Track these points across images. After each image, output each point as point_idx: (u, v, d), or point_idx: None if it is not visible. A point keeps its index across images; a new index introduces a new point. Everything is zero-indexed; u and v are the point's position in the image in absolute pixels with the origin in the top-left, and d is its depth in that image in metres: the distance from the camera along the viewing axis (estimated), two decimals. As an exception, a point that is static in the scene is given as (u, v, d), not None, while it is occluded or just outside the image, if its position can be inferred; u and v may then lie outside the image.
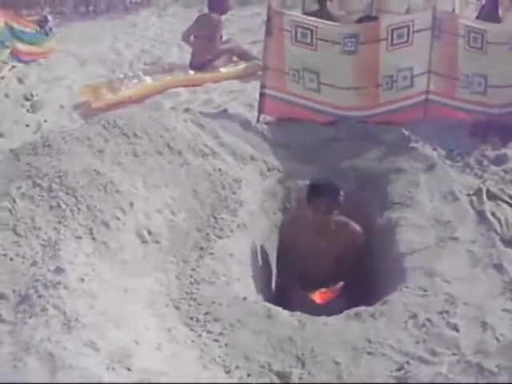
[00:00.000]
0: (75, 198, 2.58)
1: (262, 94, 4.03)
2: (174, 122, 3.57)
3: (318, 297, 3.17)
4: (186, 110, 3.78)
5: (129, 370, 1.92)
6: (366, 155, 3.82)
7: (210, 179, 3.48)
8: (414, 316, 2.56)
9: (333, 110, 3.98)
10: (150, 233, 2.85)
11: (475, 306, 2.58)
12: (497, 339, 2.40)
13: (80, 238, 2.46)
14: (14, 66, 5.58)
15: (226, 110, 4.16)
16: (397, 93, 3.94)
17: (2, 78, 5.39)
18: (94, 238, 2.50)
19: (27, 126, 4.54)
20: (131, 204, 2.78)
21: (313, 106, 4.00)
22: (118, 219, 2.64)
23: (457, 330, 2.46)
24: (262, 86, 4.01)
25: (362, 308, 2.70)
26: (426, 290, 2.71)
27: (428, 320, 2.52)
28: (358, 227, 3.37)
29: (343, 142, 3.91)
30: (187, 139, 3.52)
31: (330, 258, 3.35)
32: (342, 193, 3.24)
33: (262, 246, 3.49)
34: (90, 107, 4.72)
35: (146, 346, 2.21)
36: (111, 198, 2.69)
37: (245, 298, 2.72)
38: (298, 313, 2.70)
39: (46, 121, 4.61)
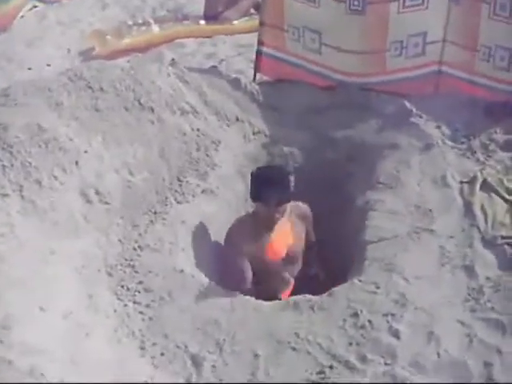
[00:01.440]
0: (10, 153, 2.45)
1: (258, 52, 3.70)
2: (154, 76, 3.36)
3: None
4: (172, 64, 3.55)
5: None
6: (362, 126, 3.47)
7: (184, 139, 3.27)
8: (355, 315, 2.34)
9: (333, 74, 3.61)
10: (97, 193, 2.70)
11: (427, 312, 2.32)
12: (438, 354, 2.15)
13: (7, 195, 2.35)
14: (35, 6, 5.49)
15: (215, 67, 3.88)
16: (406, 60, 3.51)
17: (22, 17, 5.32)
18: (22, 196, 2.38)
19: (29, 69, 4.45)
20: (76, 162, 2.63)
21: (312, 68, 3.64)
22: (55, 178, 2.50)
23: (397, 337, 2.23)
24: (259, 43, 3.68)
25: (304, 297, 2.48)
26: (378, 287, 2.46)
27: (369, 321, 2.30)
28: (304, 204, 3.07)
29: (339, 109, 3.56)
30: (165, 95, 3.30)
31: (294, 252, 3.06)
32: (292, 179, 2.95)
33: (229, 215, 3.29)
34: (93, 53, 4.57)
35: (50, 314, 2.11)
36: (52, 156, 2.55)
37: (182, 271, 2.56)
38: (237, 293, 2.53)
39: (49, 65, 4.51)
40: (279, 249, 2.85)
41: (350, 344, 2.22)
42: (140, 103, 3.16)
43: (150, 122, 3.17)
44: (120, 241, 2.66)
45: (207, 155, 3.32)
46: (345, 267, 2.95)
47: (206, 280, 2.55)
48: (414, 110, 3.39)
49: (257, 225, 2.81)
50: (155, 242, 2.71)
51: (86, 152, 2.75)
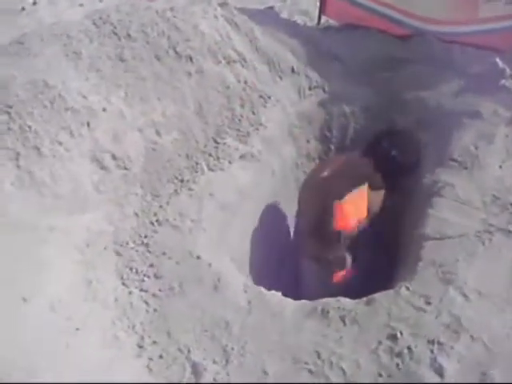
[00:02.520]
0: (8, 114, 2.16)
1: (324, -10, 3.14)
2: (198, 19, 2.91)
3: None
4: (222, 4, 3.06)
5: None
6: (440, 87, 2.86)
7: (227, 93, 2.84)
8: (394, 337, 1.90)
9: (412, 21, 2.98)
10: (114, 157, 2.38)
11: (485, 346, 1.84)
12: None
13: (1, 165, 2.08)
14: None
15: (272, 8, 3.34)
16: (506, 7, 2.80)
17: None
18: (18, 166, 2.10)
19: (80, 5, 4.13)
20: (88, 124, 2.30)
21: (386, 13, 3.03)
22: (60, 144, 2.19)
23: (441, 375, 1.78)
24: (326, -20, 3.11)
25: (337, 302, 2.07)
26: (428, 302, 1.99)
27: (409, 349, 1.86)
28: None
29: (414, 64, 2.96)
30: (209, 41, 2.86)
31: None
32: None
33: (273, 186, 2.89)
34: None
35: (34, 305, 1.87)
36: (57, 117, 2.23)
37: (198, 257, 2.23)
38: (261, 289, 2.17)
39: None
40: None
41: (380, 375, 1.81)
42: (176, 51, 2.75)
43: (186, 74, 2.76)
44: (136, 214, 2.35)
45: (253, 113, 2.89)
46: (389, 262, 2.51)
47: (225, 271, 2.20)
48: (508, 70, 2.72)
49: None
50: (176, 216, 2.38)
51: (104, 110, 2.41)
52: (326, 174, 2.58)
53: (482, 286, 2.02)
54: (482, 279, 2.04)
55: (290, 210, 3.03)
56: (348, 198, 2.45)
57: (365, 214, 2.51)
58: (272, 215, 2.85)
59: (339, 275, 2.53)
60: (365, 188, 2.52)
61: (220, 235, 2.42)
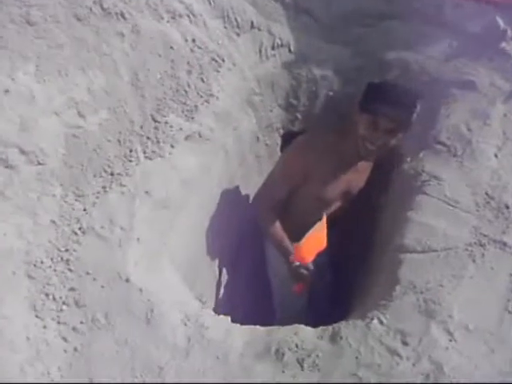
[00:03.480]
0: None
1: None
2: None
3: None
4: None
5: None
6: (426, 49, 2.38)
7: (171, 57, 2.33)
8: (360, 390, 1.56)
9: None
10: (23, 152, 1.91)
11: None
12: None
13: None
14: None
15: None
16: None
17: None
18: None
19: None
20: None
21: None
22: None
23: None
24: None
25: (297, 338, 1.71)
26: (405, 342, 1.64)
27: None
28: None
29: (397, 20, 2.44)
30: (146, -9, 2.31)
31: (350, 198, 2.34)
32: (417, 107, 2.03)
33: (226, 169, 2.45)
34: None
35: None
36: None
37: (128, 280, 1.82)
38: (206, 319, 1.79)
39: None
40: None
41: None
42: (102, 7, 2.19)
43: (117, 35, 2.22)
44: (54, 222, 1.91)
45: (202, 80, 2.39)
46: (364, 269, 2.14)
47: (160, 297, 1.81)
48: (510, 31, 2.24)
49: (335, 150, 2.18)
50: (104, 223, 1.95)
51: (7, 92, 1.91)
52: None
53: (470, 318, 1.67)
54: (470, 310, 1.69)
55: (251, 192, 2.61)
56: (306, 237, 2.11)
57: (324, 245, 2.17)
58: (227, 205, 2.43)
59: (299, 287, 2.18)
60: (322, 222, 2.15)
61: (158, 244, 2.00)
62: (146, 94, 2.25)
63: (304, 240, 2.08)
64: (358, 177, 2.28)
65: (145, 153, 2.15)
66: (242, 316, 2.32)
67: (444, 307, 1.69)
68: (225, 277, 2.48)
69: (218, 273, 2.46)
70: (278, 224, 2.25)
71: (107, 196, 2.01)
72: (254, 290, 2.55)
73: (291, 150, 2.26)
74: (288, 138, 2.66)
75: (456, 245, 1.83)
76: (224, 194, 2.45)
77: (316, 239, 2.09)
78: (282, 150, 2.79)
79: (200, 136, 2.32)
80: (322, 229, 2.10)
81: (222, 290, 2.45)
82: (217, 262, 2.41)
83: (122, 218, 1.97)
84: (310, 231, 2.09)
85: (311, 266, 2.13)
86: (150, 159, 2.15)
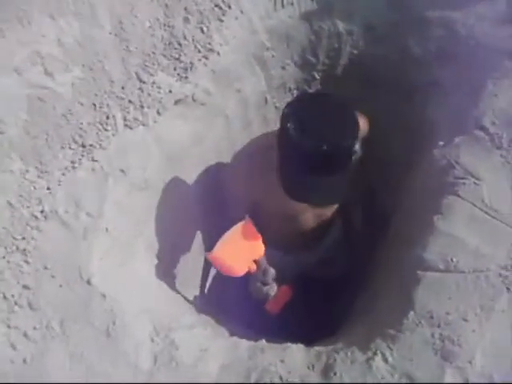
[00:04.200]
0: None
1: None
2: None
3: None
4: None
5: None
6: (477, 8, 1.92)
7: (166, 0, 1.94)
8: None
9: None
10: (-29, 118, 1.59)
11: None
12: None
13: None
14: None
15: None
16: None
17: None
18: None
19: None
20: None
21: None
22: None
23: None
24: None
25: (283, 367, 1.43)
26: (411, 390, 1.34)
27: None
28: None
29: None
30: None
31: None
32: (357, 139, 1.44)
33: (226, 139, 2.10)
34: None
35: None
36: None
37: (89, 282, 1.54)
38: (178, 335, 1.51)
39: None
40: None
41: None
42: None
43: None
44: (10, 204, 1.61)
45: (202, 31, 2.01)
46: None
47: (125, 306, 1.53)
48: None
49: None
50: (69, 206, 1.65)
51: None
52: None
53: (497, 367, 1.36)
54: (497, 356, 1.37)
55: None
56: (218, 246, 1.70)
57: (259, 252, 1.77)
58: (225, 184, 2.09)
59: (270, 305, 1.84)
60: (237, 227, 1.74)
61: (132, 234, 1.70)
62: (132, 47, 1.87)
63: (215, 249, 1.68)
64: None
65: (125, 120, 1.81)
66: (233, 302, 2.07)
67: (465, 349, 1.37)
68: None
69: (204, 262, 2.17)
70: None
71: (75, 173, 1.69)
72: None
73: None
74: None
75: (488, 266, 1.49)
76: (222, 167, 2.11)
77: (234, 248, 1.69)
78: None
79: (194, 100, 1.96)
80: (244, 233, 1.69)
81: (209, 279, 2.18)
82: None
83: (90, 201, 1.66)
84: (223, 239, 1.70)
85: (268, 278, 1.78)
86: (131, 128, 1.81)
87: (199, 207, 2.02)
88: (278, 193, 1.57)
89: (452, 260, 1.52)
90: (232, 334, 1.85)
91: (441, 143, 1.85)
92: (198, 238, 2.13)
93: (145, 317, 1.54)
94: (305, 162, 1.39)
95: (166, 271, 1.87)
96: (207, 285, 2.30)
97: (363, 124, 1.81)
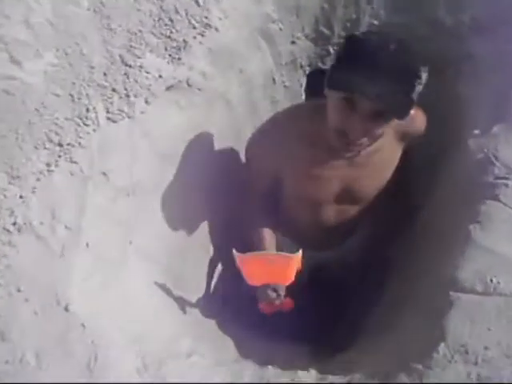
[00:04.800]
0: None
1: None
2: None
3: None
4: None
5: None
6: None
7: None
8: None
9: None
10: None
11: None
12: None
13: None
14: None
15: None
16: None
17: None
18: None
19: None
20: None
21: None
22: None
23: None
24: None
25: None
26: None
27: None
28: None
29: None
30: None
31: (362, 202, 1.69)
32: (422, 77, 1.26)
33: (230, 128, 1.85)
34: None
35: None
36: None
37: (67, 309, 1.33)
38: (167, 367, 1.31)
39: None
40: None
41: None
42: None
43: None
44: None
45: (197, 3, 1.74)
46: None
47: (110, 337, 1.32)
48: None
49: (314, 135, 1.50)
50: (44, 216, 1.44)
51: None
52: None
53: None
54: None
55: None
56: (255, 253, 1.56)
57: (282, 283, 1.59)
58: (230, 171, 1.86)
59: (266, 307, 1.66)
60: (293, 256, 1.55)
61: (118, 247, 1.48)
62: (114, 25, 1.62)
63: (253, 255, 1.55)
64: (360, 172, 1.56)
65: (108, 112, 1.57)
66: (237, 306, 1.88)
67: (506, 393, 1.15)
68: (218, 263, 1.97)
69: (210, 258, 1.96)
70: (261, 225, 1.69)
71: (51, 178, 1.47)
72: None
73: (254, 134, 1.64)
74: (316, 79, 2.00)
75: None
76: (226, 156, 1.87)
77: (267, 265, 1.54)
78: (306, 92, 2.13)
79: (189, 85, 1.71)
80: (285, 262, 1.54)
81: (214, 280, 1.96)
82: (210, 248, 1.90)
83: (68, 211, 1.44)
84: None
85: (281, 291, 1.60)
86: (114, 122, 1.57)
87: (200, 197, 1.79)
88: (306, 169, 1.51)
89: (492, 280, 1.27)
90: (237, 342, 1.67)
91: (476, 131, 1.58)
92: (200, 232, 1.90)
93: (132, 348, 1.34)
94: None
95: (163, 278, 1.66)
96: (213, 283, 2.10)
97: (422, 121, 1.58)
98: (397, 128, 1.52)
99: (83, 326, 1.30)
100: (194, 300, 1.79)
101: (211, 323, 1.76)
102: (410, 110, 1.26)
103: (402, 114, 1.26)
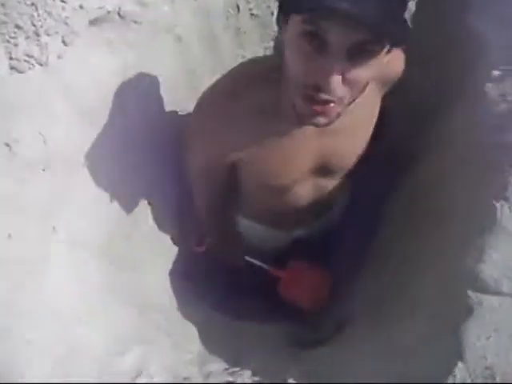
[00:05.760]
0: None
1: None
2: None
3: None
4: None
5: None
6: None
7: None
8: None
9: None
10: None
11: None
12: None
13: None
14: None
15: None
16: None
17: None
18: None
19: None
20: None
21: None
22: None
23: None
24: None
25: None
26: None
27: None
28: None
29: None
30: None
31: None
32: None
33: (187, 71, 1.46)
34: None
35: None
36: None
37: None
38: None
39: None
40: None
41: None
42: None
43: None
44: None
45: None
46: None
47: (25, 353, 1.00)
48: None
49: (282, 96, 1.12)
50: None
51: None
52: None
53: None
54: None
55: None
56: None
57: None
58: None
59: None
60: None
61: (34, 252, 1.12)
62: None
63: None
64: (336, 138, 1.21)
65: (11, 59, 1.17)
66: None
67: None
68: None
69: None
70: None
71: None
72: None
73: (194, 111, 1.24)
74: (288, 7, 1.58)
75: None
76: (176, 107, 1.48)
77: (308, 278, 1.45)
78: (278, 22, 1.72)
79: (121, 17, 1.30)
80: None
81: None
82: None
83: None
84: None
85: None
86: (20, 72, 1.17)
87: (143, 165, 1.42)
88: (269, 148, 1.18)
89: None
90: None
91: (496, 72, 1.22)
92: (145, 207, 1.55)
93: (56, 371, 1.02)
94: None
95: (103, 265, 1.33)
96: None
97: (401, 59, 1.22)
98: (375, 73, 1.12)
99: None
100: (141, 283, 1.48)
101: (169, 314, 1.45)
102: (409, 30, 0.90)
103: (399, 37, 0.88)
